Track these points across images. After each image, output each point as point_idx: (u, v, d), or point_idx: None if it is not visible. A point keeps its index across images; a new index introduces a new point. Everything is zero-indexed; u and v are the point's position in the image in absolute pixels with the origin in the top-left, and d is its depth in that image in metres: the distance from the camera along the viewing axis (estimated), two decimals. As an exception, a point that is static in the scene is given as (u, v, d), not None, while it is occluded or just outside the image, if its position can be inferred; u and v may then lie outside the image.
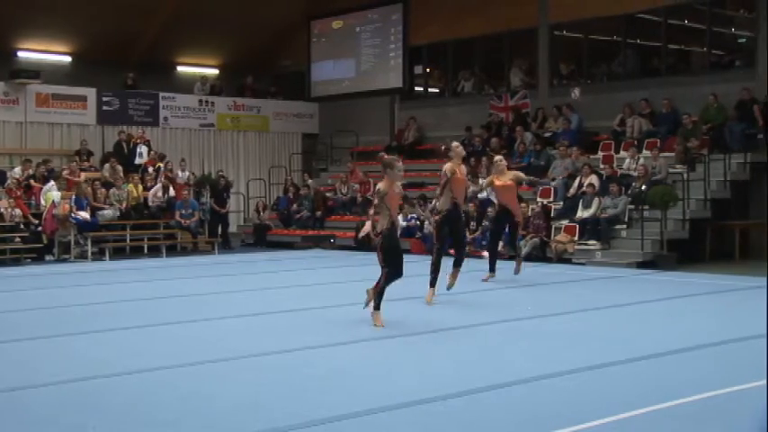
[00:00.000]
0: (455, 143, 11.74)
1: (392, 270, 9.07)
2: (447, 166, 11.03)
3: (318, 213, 21.97)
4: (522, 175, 13.73)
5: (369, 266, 15.98)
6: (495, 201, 14.27)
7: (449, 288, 11.01)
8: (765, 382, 5.30)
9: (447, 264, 11.01)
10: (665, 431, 5.29)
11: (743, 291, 12.11)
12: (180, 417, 5.72)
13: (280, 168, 25.44)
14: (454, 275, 11.05)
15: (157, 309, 10.65)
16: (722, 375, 6.64)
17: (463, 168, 11.23)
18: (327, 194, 22.76)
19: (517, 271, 13.24)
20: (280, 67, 27.95)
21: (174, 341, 8.51)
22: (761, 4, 18.05)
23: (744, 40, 19.41)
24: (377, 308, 9.04)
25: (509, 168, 13.69)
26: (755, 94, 17.61)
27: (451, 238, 11.15)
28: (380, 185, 9.17)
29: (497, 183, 12.92)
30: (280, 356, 7.59)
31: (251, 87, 26.40)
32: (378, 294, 9.05)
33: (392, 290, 9.29)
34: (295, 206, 22.42)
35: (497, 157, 13.65)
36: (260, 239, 22.05)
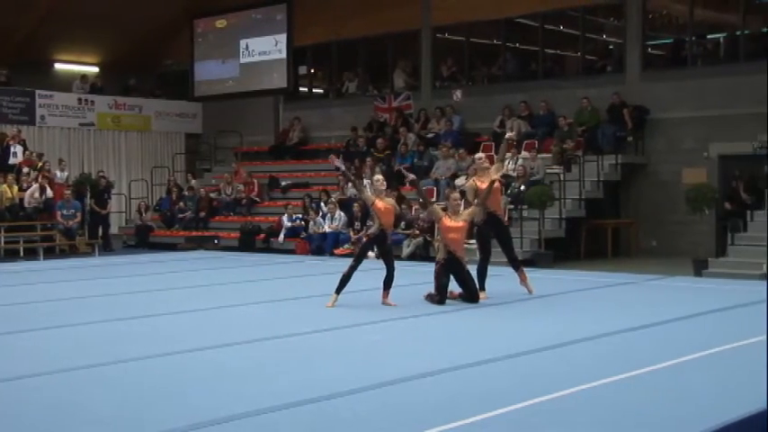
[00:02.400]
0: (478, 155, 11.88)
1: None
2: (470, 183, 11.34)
3: (202, 214, 21.76)
4: (500, 168, 12.08)
5: (251, 267, 16.05)
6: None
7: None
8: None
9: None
10: (543, 424, 5.53)
11: (615, 287, 12.65)
12: (49, 428, 5.57)
13: (162, 169, 25.05)
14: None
15: (33, 313, 10.39)
16: (597, 369, 6.96)
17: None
18: (211, 195, 22.56)
19: (524, 282, 11.61)
20: (162, 66, 27.51)
21: (53, 345, 8.34)
22: (629, 13, 18.89)
23: (613, 46, 20.24)
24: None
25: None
26: (625, 98, 18.42)
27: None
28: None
29: (482, 186, 11.25)
30: (162, 360, 7.55)
31: (135, 87, 25.93)
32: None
33: (291, 291, 9.33)
34: (182, 204, 22.15)
35: (479, 156, 12.05)
36: (142, 241, 21.68)
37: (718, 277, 13.70)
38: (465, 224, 10.85)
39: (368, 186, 19.56)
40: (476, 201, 11.22)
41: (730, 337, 8.22)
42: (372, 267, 15.95)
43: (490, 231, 11.45)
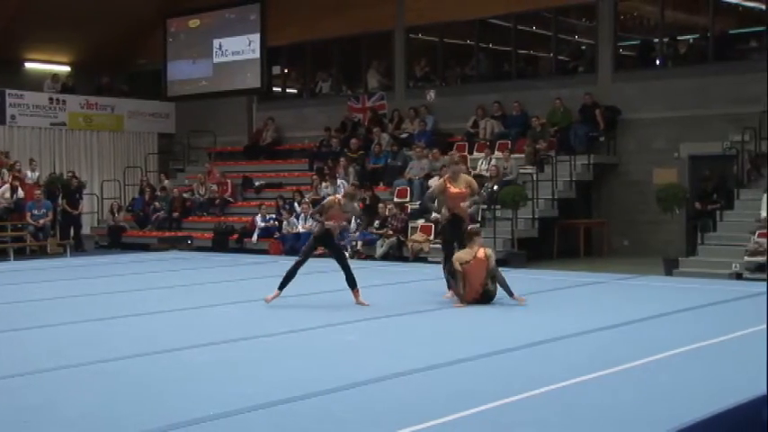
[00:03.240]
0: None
1: None
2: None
3: (175, 215, 21.68)
4: (475, 184, 12.03)
5: (225, 268, 16.02)
6: (445, 207, 11.76)
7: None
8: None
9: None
10: (516, 423, 5.58)
11: (587, 286, 12.76)
12: (20, 429, 5.54)
13: (135, 169, 24.91)
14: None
15: (5, 315, 10.32)
16: (569, 368, 7.02)
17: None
18: (185, 195, 22.48)
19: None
20: (135, 65, 27.35)
21: (27, 347, 8.29)
22: (601, 14, 19.05)
23: (585, 47, 20.40)
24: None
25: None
26: (597, 99, 18.57)
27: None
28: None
29: (453, 189, 11.37)
30: (136, 360, 7.53)
31: (107, 87, 25.77)
32: None
33: (265, 291, 9.32)
34: (156, 204, 22.05)
35: (456, 160, 12.26)
36: (115, 241, 21.56)
37: (689, 276, 13.86)
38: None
39: (341, 187, 19.65)
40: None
41: (701, 336, 8.33)
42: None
43: (453, 232, 11.48)
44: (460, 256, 10.72)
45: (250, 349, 8.13)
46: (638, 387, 6.41)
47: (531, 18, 20.88)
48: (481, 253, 10.61)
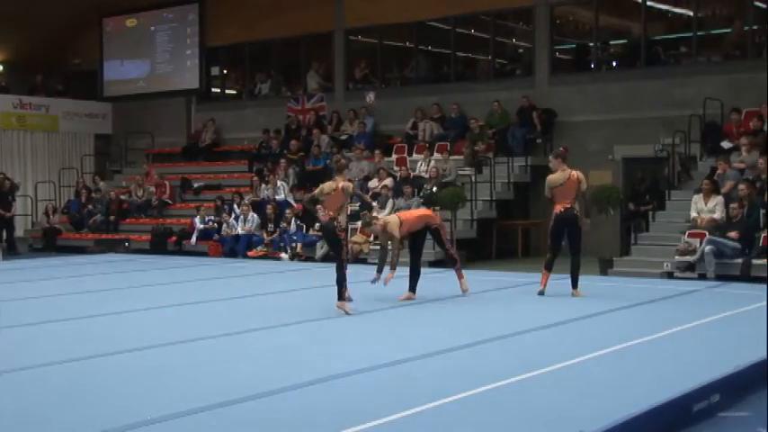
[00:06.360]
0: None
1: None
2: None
3: (112, 217, 21.40)
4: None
5: (164, 270, 15.86)
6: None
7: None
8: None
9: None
10: (455, 423, 5.66)
11: (525, 286, 12.91)
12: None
13: (71, 170, 24.50)
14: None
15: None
16: (508, 367, 7.13)
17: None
18: (122, 197, 22.19)
19: (463, 287, 11.60)
20: (70, 65, 26.91)
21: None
22: (537, 18, 19.34)
23: (523, 50, 20.69)
24: None
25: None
26: (534, 101, 18.85)
27: None
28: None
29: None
30: (70, 365, 7.44)
31: (41, 86, 25.31)
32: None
33: (204, 293, 9.25)
34: (91, 207, 21.74)
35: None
36: (50, 244, 21.21)
37: (623, 276, 14.18)
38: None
39: (281, 188, 19.62)
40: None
41: (633, 334, 8.53)
42: (288, 269, 16.03)
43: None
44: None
45: (189, 352, 8.08)
46: (572, 385, 6.55)
47: (470, 21, 21.10)
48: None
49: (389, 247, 11.20)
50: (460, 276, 11.61)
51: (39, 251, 20.94)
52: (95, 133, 25.89)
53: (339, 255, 10.09)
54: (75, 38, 26.13)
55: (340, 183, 10.23)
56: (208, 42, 24.04)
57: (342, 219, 10.10)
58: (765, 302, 9.61)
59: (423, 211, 12.61)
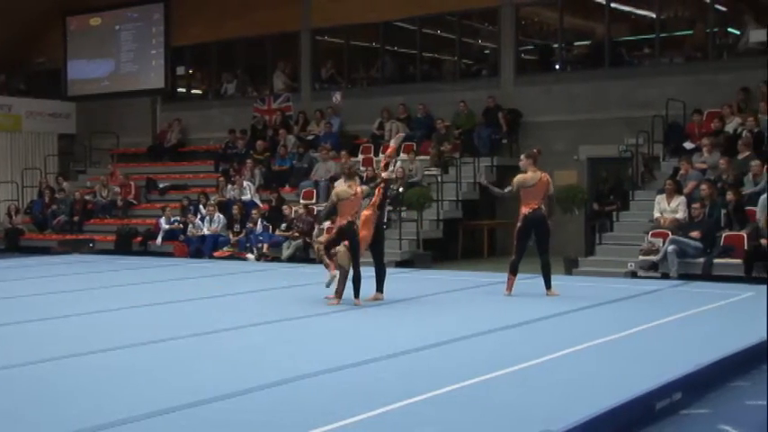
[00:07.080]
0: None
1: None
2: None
3: (76, 218, 21.21)
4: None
5: (129, 271, 15.75)
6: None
7: None
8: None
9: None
10: (422, 423, 5.70)
11: (491, 286, 13.01)
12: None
13: (34, 170, 24.24)
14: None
15: None
16: (474, 366, 7.17)
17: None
18: (87, 197, 22.00)
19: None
20: (33, 64, 26.61)
21: None
22: (503, 19, 19.47)
23: (488, 51, 20.81)
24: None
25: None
26: (500, 102, 18.98)
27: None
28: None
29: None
30: (36, 367, 7.38)
31: (4, 85, 25.02)
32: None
33: (169, 294, 9.21)
34: (55, 207, 21.53)
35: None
36: (12, 245, 20.99)
37: (588, 275, 14.33)
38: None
39: (247, 189, 19.57)
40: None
41: (597, 333, 8.64)
42: (254, 270, 15.99)
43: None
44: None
45: (155, 353, 8.04)
46: (537, 384, 6.61)
47: (436, 21, 21.19)
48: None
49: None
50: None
51: (1, 252, 20.68)
52: (59, 133, 25.65)
53: (358, 254, 10.66)
54: (38, 36, 25.85)
55: (356, 188, 10.78)
56: (173, 42, 23.90)
57: (357, 222, 10.69)
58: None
59: (362, 230, 11.20)
